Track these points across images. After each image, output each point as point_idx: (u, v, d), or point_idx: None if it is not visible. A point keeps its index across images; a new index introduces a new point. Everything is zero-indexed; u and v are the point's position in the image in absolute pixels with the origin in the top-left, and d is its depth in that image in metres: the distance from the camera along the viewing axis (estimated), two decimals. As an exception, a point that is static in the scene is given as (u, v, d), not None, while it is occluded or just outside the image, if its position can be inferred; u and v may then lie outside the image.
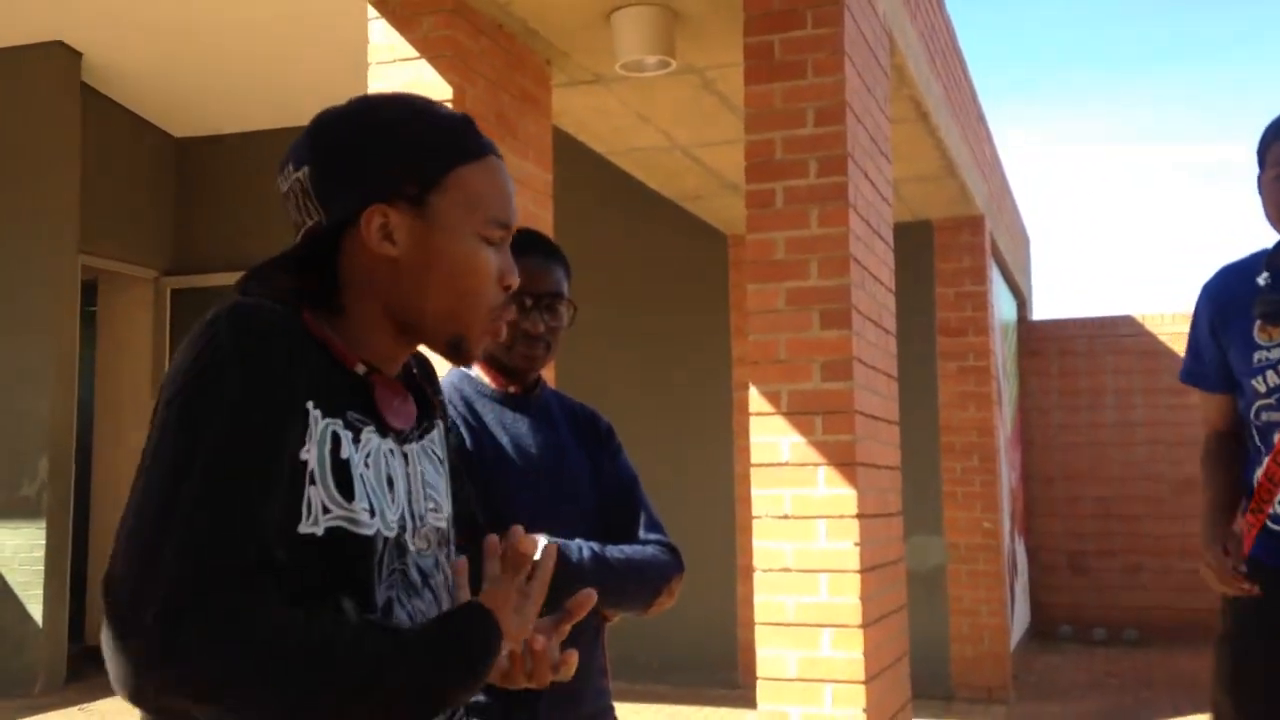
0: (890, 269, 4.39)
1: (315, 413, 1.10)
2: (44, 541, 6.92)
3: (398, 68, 3.74)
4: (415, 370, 1.31)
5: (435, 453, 1.29)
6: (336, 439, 1.11)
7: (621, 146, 5.73)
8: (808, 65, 3.84)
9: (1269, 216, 2.39)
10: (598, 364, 6.95)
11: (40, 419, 7.02)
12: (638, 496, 2.01)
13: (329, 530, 1.08)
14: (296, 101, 7.74)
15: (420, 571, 1.20)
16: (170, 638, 0.95)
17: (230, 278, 8.41)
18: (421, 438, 1.26)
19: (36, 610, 6.89)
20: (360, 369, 1.18)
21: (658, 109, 5.19)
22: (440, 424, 1.33)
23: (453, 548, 1.30)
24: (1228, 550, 2.38)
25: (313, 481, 1.08)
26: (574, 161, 5.72)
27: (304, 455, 1.07)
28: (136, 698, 0.99)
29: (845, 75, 3.80)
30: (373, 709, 1.02)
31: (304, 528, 1.07)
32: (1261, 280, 2.39)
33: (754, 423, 3.84)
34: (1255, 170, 2.43)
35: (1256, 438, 2.40)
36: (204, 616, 0.96)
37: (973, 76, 7.13)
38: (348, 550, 1.10)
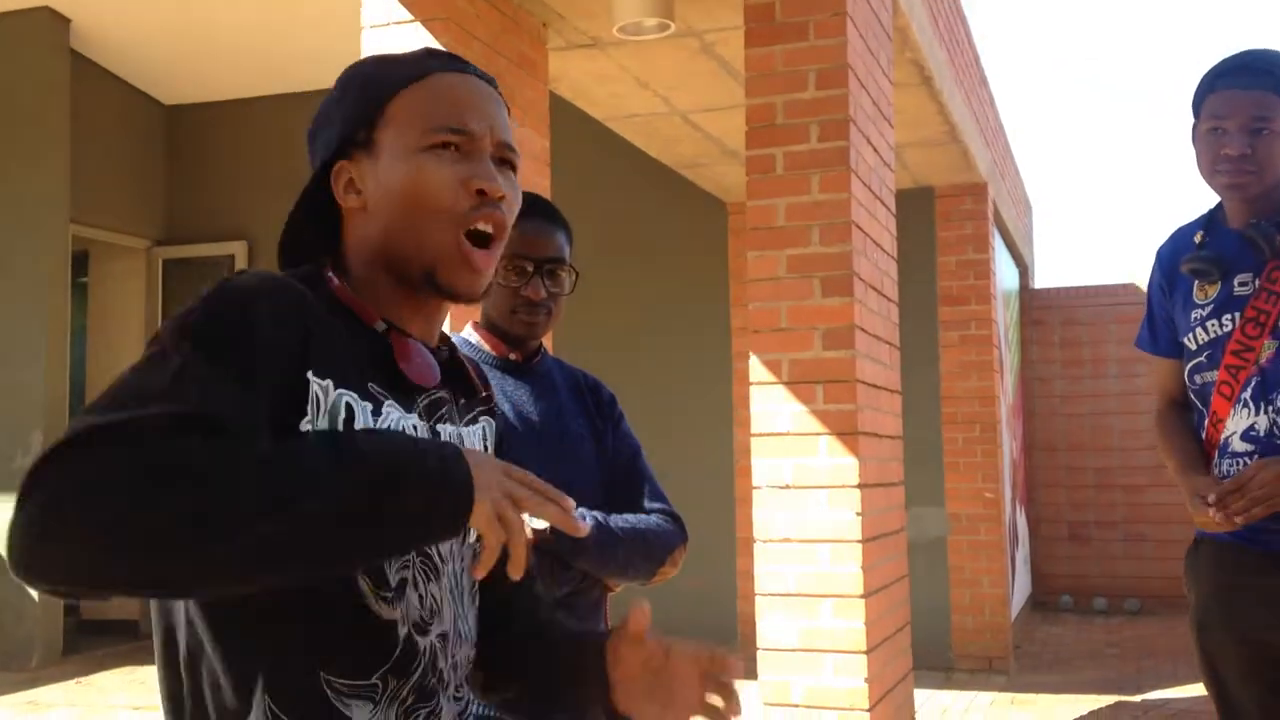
0: (892, 236, 4.33)
1: (324, 383, 1.05)
2: (38, 514, 6.87)
3: (392, 31, 3.67)
4: (465, 363, 1.28)
5: (474, 443, 1.26)
6: (350, 410, 1.07)
7: (620, 112, 5.65)
8: (809, 27, 3.77)
9: (1200, 169, 2.36)
10: (596, 333, 6.89)
11: (33, 391, 6.97)
12: (640, 466, 1.99)
13: None
14: (288, 68, 7.66)
15: (440, 556, 1.16)
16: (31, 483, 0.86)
17: (221, 247, 8.43)
18: (463, 422, 1.24)
19: (32, 583, 6.85)
20: (380, 326, 1.15)
21: (656, 73, 5.11)
22: (489, 421, 1.31)
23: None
24: (1205, 500, 2.33)
25: None
26: (571, 127, 5.64)
27: (304, 426, 1.03)
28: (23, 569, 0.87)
29: (847, 37, 3.73)
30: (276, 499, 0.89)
31: None
32: (1197, 239, 2.38)
33: (754, 392, 3.79)
34: (1191, 121, 2.40)
35: (1197, 401, 2.38)
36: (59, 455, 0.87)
37: (976, 40, 7.04)
38: None
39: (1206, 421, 2.33)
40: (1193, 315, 2.36)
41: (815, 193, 3.74)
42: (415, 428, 1.14)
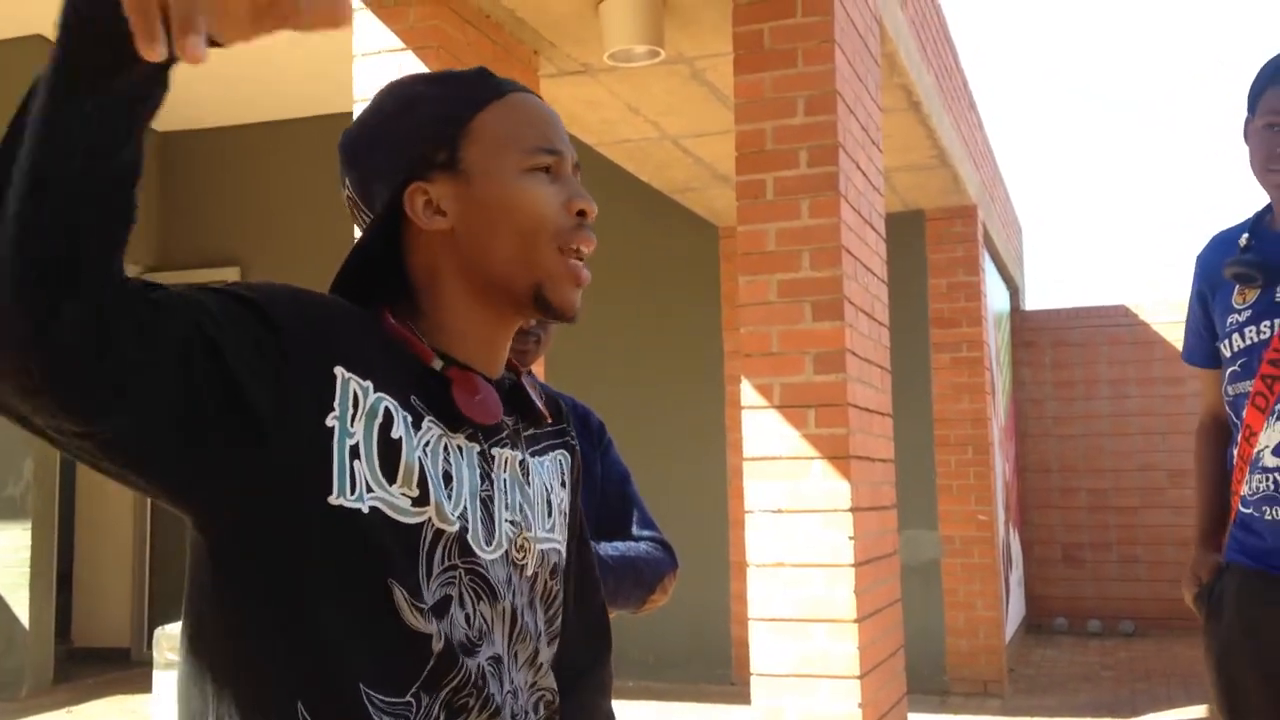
0: (882, 260, 4.35)
1: (364, 383, 1.03)
2: (29, 543, 6.85)
3: (383, 59, 3.69)
4: (531, 391, 1.24)
5: (543, 474, 1.22)
6: (389, 415, 1.04)
7: (611, 138, 5.67)
8: (798, 54, 3.80)
9: (1253, 166, 2.26)
10: (588, 358, 6.89)
11: (25, 418, 6.94)
12: (630, 493, 1.98)
13: (372, 509, 1.02)
14: (281, 94, 7.68)
15: (496, 578, 1.12)
16: None
17: (214, 274, 8.44)
18: (529, 451, 1.20)
19: (23, 612, 6.82)
20: (437, 364, 1.11)
21: (647, 100, 5.14)
22: (566, 455, 1.28)
23: (551, 578, 1.22)
24: (1200, 580, 2.31)
25: (357, 456, 1.01)
26: (562, 154, 5.67)
27: (330, 421, 1.00)
28: None
29: (836, 64, 3.76)
30: None
31: (339, 500, 1.00)
32: (1242, 242, 2.27)
33: (746, 416, 3.80)
34: (1245, 115, 2.30)
35: (1231, 414, 2.28)
36: None
37: (964, 64, 7.08)
38: (387, 535, 1.03)
39: (1239, 435, 2.22)
40: (1229, 321, 2.25)
41: (805, 218, 3.76)
42: (461, 449, 1.10)
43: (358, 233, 1.19)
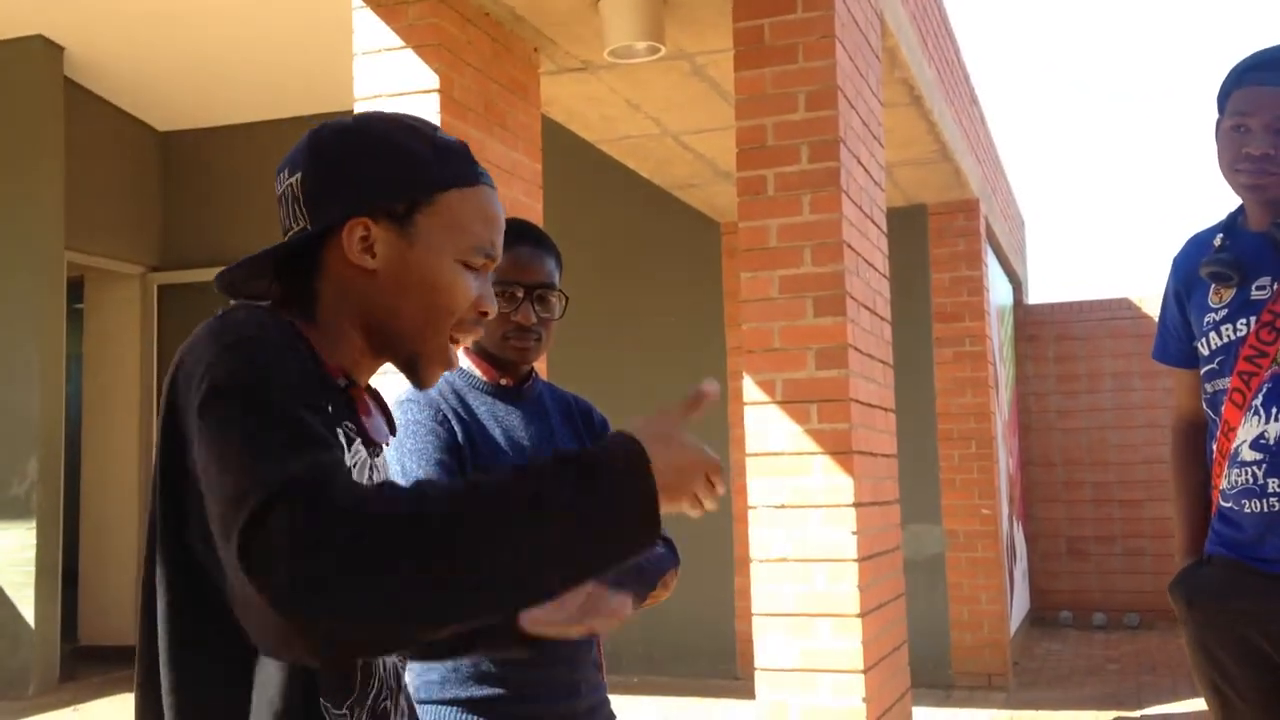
0: (884, 254, 4.35)
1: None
2: (34, 541, 6.87)
3: (383, 57, 3.69)
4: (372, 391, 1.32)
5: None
6: (342, 446, 1.12)
7: (611, 134, 5.67)
8: (798, 49, 3.80)
9: (1221, 166, 2.28)
10: (590, 355, 6.90)
11: (29, 418, 6.96)
12: (631, 489, 1.98)
13: None
14: (281, 94, 7.69)
15: None
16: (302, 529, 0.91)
17: (217, 273, 8.41)
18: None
19: (29, 611, 6.84)
20: (341, 380, 1.20)
21: (648, 96, 5.14)
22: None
23: None
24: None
25: None
26: (564, 151, 5.67)
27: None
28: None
29: (836, 59, 3.76)
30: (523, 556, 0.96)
31: None
32: (1216, 242, 2.30)
33: (749, 412, 3.80)
34: (1216, 116, 2.31)
35: (1209, 411, 2.30)
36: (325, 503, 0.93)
37: (965, 57, 7.08)
38: None
39: (1218, 431, 2.24)
40: (1206, 320, 2.28)
41: (807, 213, 3.76)
42: (371, 466, 1.21)
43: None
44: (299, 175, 1.20)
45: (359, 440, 1.18)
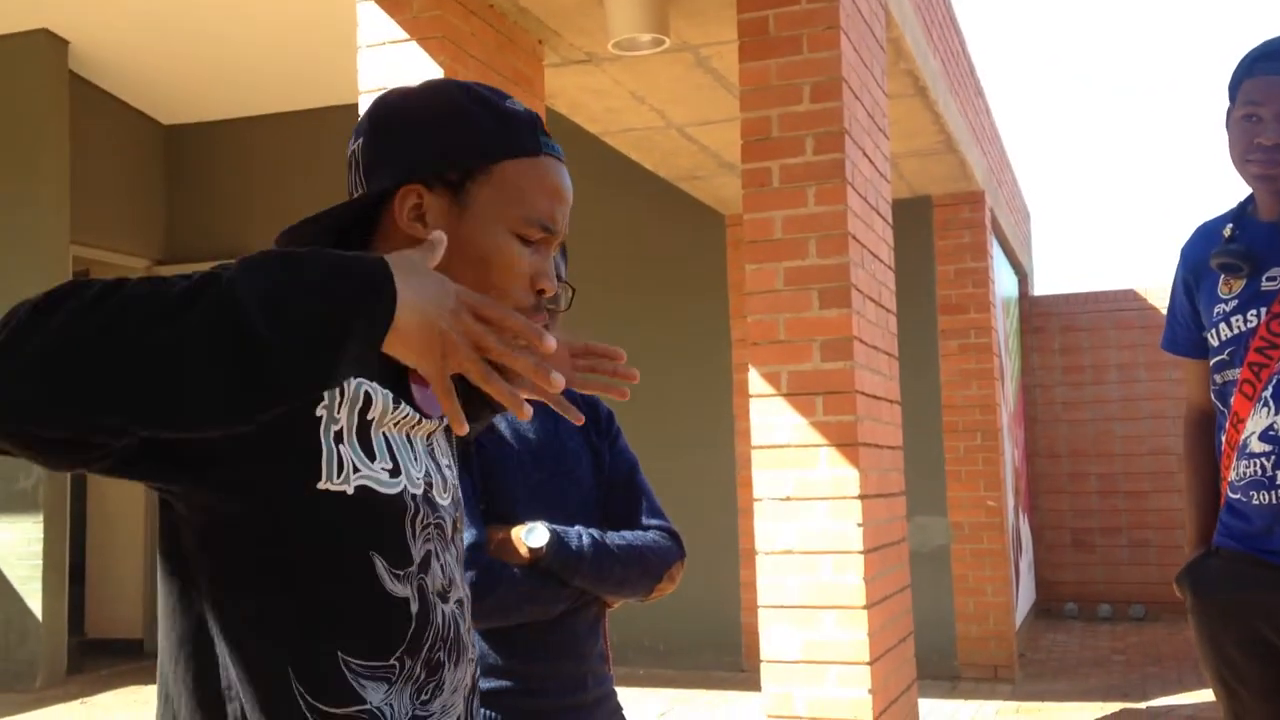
0: (889, 246, 4.34)
1: None
2: (41, 535, 6.88)
3: (387, 50, 3.68)
4: None
5: (441, 445, 1.28)
6: (368, 398, 1.10)
7: (616, 127, 5.66)
8: (803, 40, 3.79)
9: (1232, 156, 2.27)
10: (596, 347, 6.89)
11: (35, 412, 6.96)
12: (638, 482, 1.99)
13: (358, 489, 1.07)
14: (285, 87, 7.68)
15: (448, 526, 1.20)
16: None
17: (221, 266, 8.41)
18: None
19: (36, 604, 6.86)
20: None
21: (652, 88, 5.13)
22: (447, 432, 1.32)
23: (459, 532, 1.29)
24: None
25: (341, 440, 1.07)
26: (568, 143, 5.62)
27: (319, 411, 1.06)
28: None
29: (841, 50, 3.75)
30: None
31: (326, 484, 1.05)
32: (1226, 232, 2.29)
33: (754, 405, 3.79)
34: (1227, 105, 2.30)
35: (1218, 402, 2.30)
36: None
37: (970, 49, 7.06)
38: (377, 509, 1.09)
39: (1227, 423, 2.24)
40: (1216, 311, 2.27)
41: (811, 205, 3.75)
42: (431, 436, 1.19)
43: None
44: (360, 141, 1.20)
45: (404, 403, 1.14)
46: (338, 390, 1.06)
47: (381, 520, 1.09)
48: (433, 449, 1.21)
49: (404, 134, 1.18)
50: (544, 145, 1.20)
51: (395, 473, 1.11)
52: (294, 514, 1.05)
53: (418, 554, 1.12)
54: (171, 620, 1.09)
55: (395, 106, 1.20)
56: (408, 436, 1.15)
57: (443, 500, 1.18)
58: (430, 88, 1.22)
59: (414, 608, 1.11)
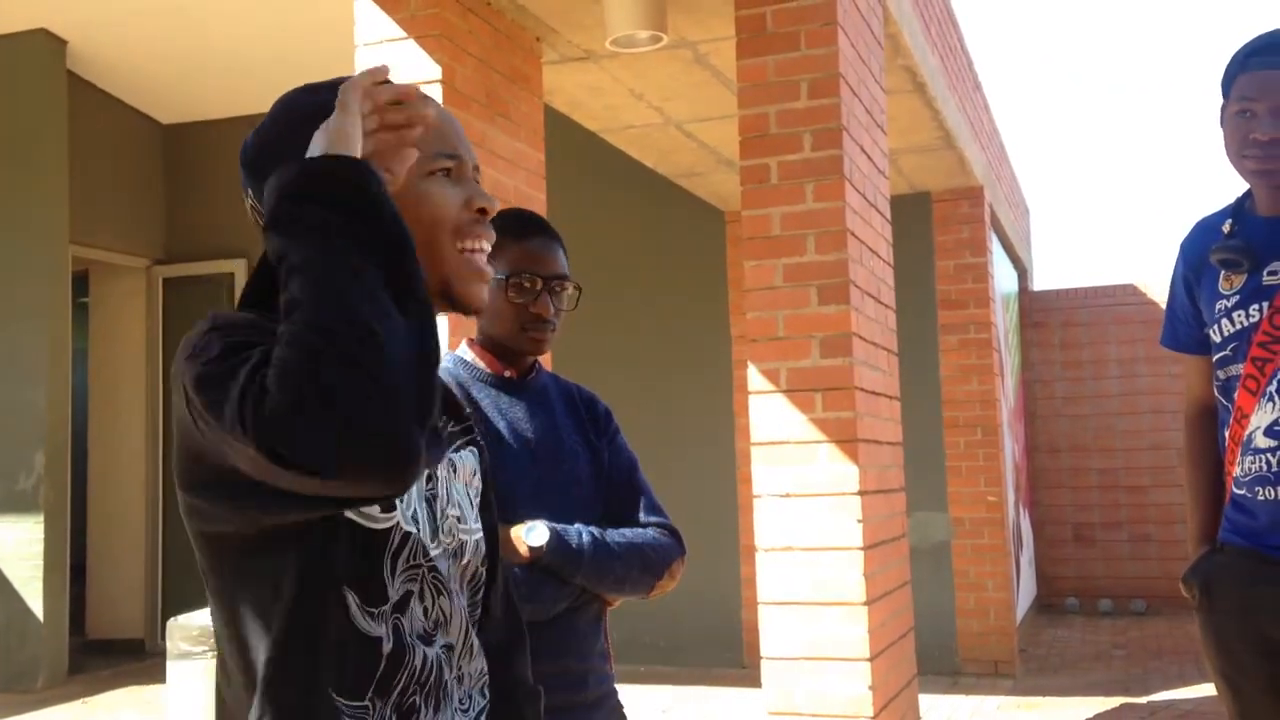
0: (888, 242, 4.34)
1: None
2: (42, 535, 6.88)
3: (385, 48, 3.68)
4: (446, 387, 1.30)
5: (464, 469, 1.28)
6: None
7: (614, 124, 5.66)
8: (800, 37, 3.78)
9: (1228, 152, 2.26)
10: (595, 345, 6.90)
11: (35, 412, 6.97)
12: (637, 480, 1.99)
13: (345, 520, 1.08)
14: (283, 85, 7.57)
15: (447, 574, 1.19)
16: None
17: (221, 265, 8.45)
18: (452, 449, 1.27)
19: (37, 605, 6.86)
20: None
21: (650, 85, 5.12)
22: (474, 448, 1.32)
23: (482, 565, 1.28)
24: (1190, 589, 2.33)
25: None
26: (566, 140, 5.66)
27: None
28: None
29: (839, 46, 3.74)
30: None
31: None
32: (1225, 228, 2.28)
33: (753, 401, 3.79)
34: (1220, 101, 2.29)
35: (1221, 397, 2.29)
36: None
37: (969, 44, 7.05)
38: (358, 540, 1.09)
39: (1231, 418, 2.23)
40: (1217, 306, 2.26)
41: (810, 201, 3.75)
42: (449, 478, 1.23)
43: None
44: (249, 194, 1.21)
45: None
46: None
47: (362, 553, 1.09)
48: (454, 477, 1.24)
49: (276, 158, 1.16)
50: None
51: (388, 508, 1.11)
52: (285, 536, 1.06)
53: (395, 593, 1.11)
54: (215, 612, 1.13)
55: (255, 144, 1.22)
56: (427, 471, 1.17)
57: (435, 549, 1.17)
58: (270, 112, 1.25)
59: (386, 648, 1.09)
